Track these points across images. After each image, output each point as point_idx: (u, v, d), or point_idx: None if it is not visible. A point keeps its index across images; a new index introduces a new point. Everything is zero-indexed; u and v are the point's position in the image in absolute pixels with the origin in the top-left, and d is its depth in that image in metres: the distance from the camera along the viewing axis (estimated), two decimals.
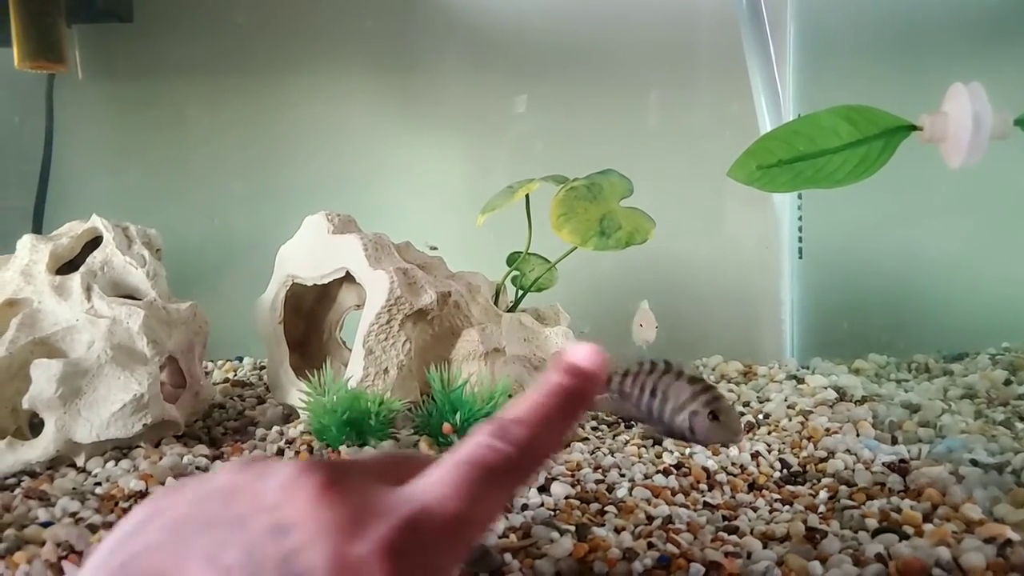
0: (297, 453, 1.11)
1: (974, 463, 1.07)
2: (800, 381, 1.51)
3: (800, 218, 1.70)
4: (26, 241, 1.29)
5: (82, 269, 1.27)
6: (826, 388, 1.42)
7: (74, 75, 1.85)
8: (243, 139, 1.91)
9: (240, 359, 1.79)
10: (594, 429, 1.33)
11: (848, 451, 1.15)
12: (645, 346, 1.43)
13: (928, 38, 1.56)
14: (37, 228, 1.78)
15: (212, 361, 1.75)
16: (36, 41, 1.69)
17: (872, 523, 0.93)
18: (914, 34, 1.57)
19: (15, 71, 1.71)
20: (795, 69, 1.64)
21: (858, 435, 1.21)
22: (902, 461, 1.10)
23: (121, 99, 1.91)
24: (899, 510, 0.96)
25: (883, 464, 1.09)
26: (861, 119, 0.96)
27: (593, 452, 1.18)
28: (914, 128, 0.95)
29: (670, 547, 0.87)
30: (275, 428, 1.25)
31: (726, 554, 0.86)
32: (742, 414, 1.36)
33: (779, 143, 1.01)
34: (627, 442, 1.23)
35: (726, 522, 0.96)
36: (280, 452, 1.15)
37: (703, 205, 1.80)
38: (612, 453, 1.17)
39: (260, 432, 1.25)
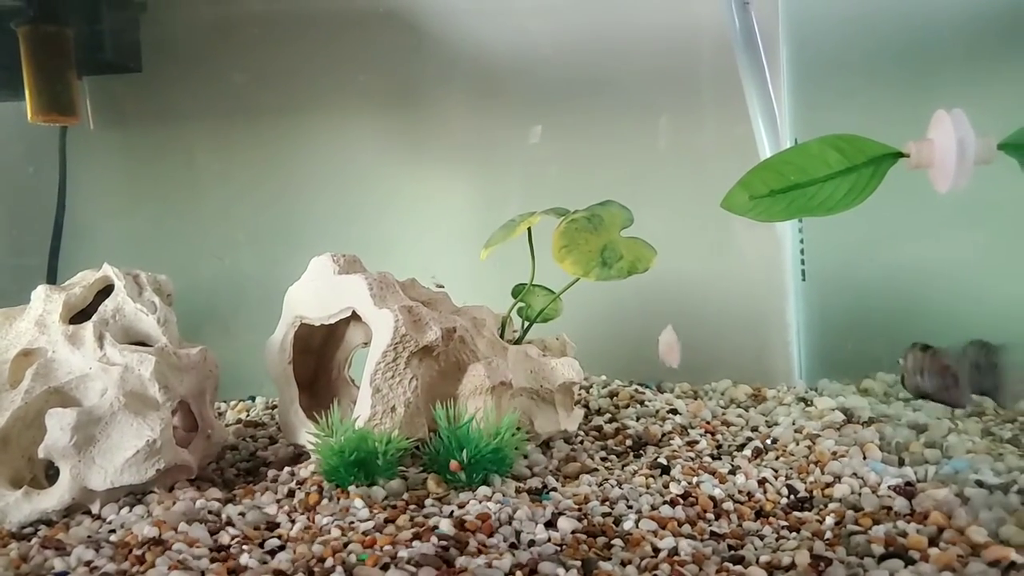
0: (307, 495, 1.12)
1: (979, 484, 1.06)
2: (808, 403, 1.51)
3: (801, 240, 1.71)
4: (40, 292, 1.32)
5: (94, 318, 1.30)
6: (834, 410, 1.42)
7: (85, 125, 1.89)
8: (252, 181, 1.95)
9: (252, 399, 1.81)
10: (603, 460, 1.33)
11: (855, 475, 1.16)
12: (670, 367, 1.44)
13: (919, 60, 1.57)
14: (52, 277, 1.82)
15: (225, 401, 1.78)
16: (48, 95, 1.73)
17: (878, 548, 0.94)
18: (905, 56, 1.59)
19: (29, 124, 1.75)
20: (789, 93, 1.66)
21: (864, 458, 1.22)
22: (908, 484, 1.10)
23: (132, 147, 1.96)
24: (905, 534, 0.97)
25: (889, 487, 1.10)
26: (850, 148, 0.97)
27: (601, 484, 1.19)
28: (901, 155, 0.96)
29: None
30: (286, 469, 1.26)
31: None
32: (749, 439, 1.37)
33: (771, 173, 1.02)
34: (635, 472, 1.24)
35: (732, 551, 0.97)
36: (291, 493, 1.17)
37: (708, 229, 1.81)
38: (620, 484, 1.18)
39: (272, 473, 1.27)
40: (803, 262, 1.71)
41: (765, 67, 1.65)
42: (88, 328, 1.28)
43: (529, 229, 1.47)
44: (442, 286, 1.47)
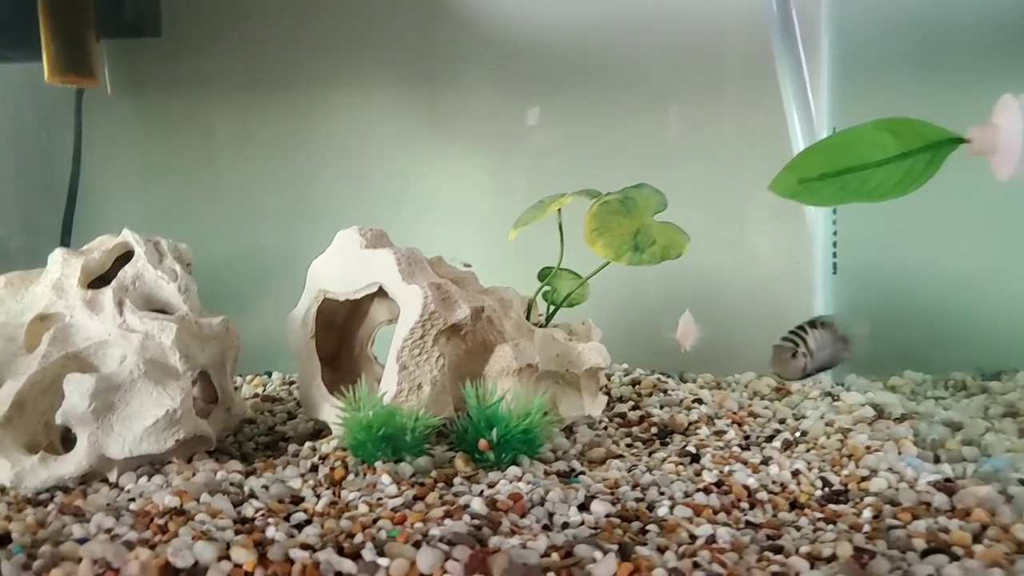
0: (332, 469, 1.09)
1: (1022, 482, 1.04)
2: (835, 398, 1.49)
3: (835, 233, 1.68)
4: (57, 255, 1.29)
5: (113, 283, 1.27)
6: (863, 405, 1.39)
7: (103, 90, 1.85)
8: (271, 155, 1.92)
9: (269, 374, 1.78)
10: (628, 446, 1.31)
11: (890, 470, 1.13)
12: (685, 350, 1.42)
13: (968, 49, 1.54)
14: (66, 242, 1.79)
15: (240, 376, 1.75)
16: (66, 56, 1.70)
17: (920, 543, 0.91)
18: (952, 46, 1.55)
19: (45, 86, 1.72)
20: (830, 82, 1.63)
21: (899, 453, 1.19)
22: (947, 480, 1.08)
23: (149, 114, 1.92)
24: (947, 530, 0.94)
25: (928, 483, 1.07)
26: (906, 132, 0.94)
27: (631, 470, 1.16)
28: (961, 141, 0.94)
29: (716, 567, 0.85)
30: (307, 444, 1.23)
31: (773, 574, 0.84)
32: (778, 431, 1.34)
33: (821, 157, 1.00)
34: (664, 459, 1.21)
35: (770, 541, 0.94)
36: (314, 468, 1.14)
37: (733, 221, 1.78)
38: (650, 471, 1.15)
39: (292, 448, 1.24)
40: (835, 255, 1.68)
41: (802, 54, 1.62)
42: (107, 294, 1.25)
43: (559, 211, 1.44)
44: (469, 265, 1.44)
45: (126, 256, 1.33)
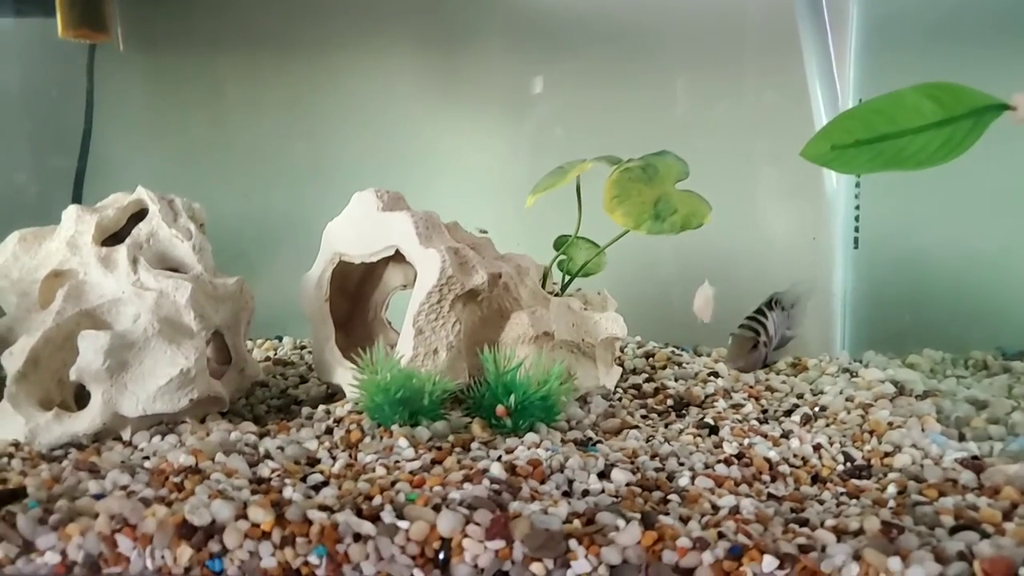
0: (348, 432, 1.08)
1: None
2: (853, 374, 1.47)
3: (857, 207, 1.65)
4: (71, 212, 1.27)
5: (128, 241, 1.25)
6: (883, 382, 1.37)
7: (114, 48, 1.82)
8: (283, 116, 1.89)
9: (280, 338, 1.77)
10: (644, 418, 1.29)
11: (914, 446, 1.11)
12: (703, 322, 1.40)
13: (998, 20, 1.50)
14: (77, 199, 1.76)
15: (251, 340, 1.73)
16: (80, 11, 1.68)
17: (948, 520, 0.89)
18: (985, 16, 1.51)
19: (58, 41, 1.69)
20: (857, 54, 1.59)
21: (923, 430, 1.17)
22: (975, 458, 1.06)
23: (161, 72, 1.89)
24: (976, 508, 0.92)
25: (955, 460, 1.05)
26: (948, 97, 0.92)
27: (648, 440, 1.15)
28: (1006, 107, 0.91)
29: (741, 538, 0.83)
30: (321, 407, 1.22)
31: (800, 547, 0.83)
32: (796, 406, 1.33)
33: (857, 122, 0.97)
34: (682, 431, 1.20)
35: (794, 514, 0.92)
36: (329, 431, 1.13)
37: (749, 195, 1.75)
38: (668, 441, 1.14)
39: (306, 411, 1.23)
40: (857, 229, 1.65)
41: (828, 26, 1.58)
42: (121, 251, 1.24)
43: (578, 177, 1.41)
44: (485, 232, 1.42)
45: (140, 214, 1.31)
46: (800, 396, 1.39)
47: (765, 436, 1.16)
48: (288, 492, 0.90)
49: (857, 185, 1.63)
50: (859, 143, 0.96)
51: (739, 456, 1.08)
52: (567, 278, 1.49)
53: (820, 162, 0.99)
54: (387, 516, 0.84)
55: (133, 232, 1.27)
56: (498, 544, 0.82)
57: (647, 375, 1.51)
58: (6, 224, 1.31)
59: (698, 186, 1.36)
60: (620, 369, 1.46)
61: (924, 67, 1.53)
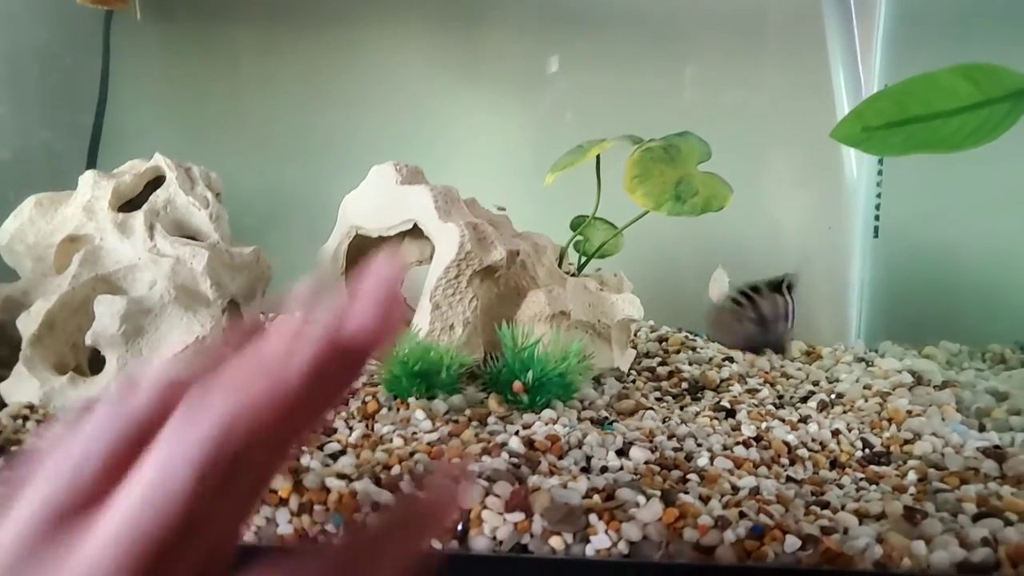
0: (364, 403, 1.07)
1: None
2: (869, 364, 1.46)
3: (878, 195, 1.63)
4: (88, 177, 1.26)
5: (145, 207, 1.24)
6: (900, 372, 1.36)
7: (131, 15, 1.81)
8: (300, 90, 1.87)
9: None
10: (658, 400, 1.28)
11: (934, 434, 1.10)
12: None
13: None
14: (92, 165, 1.75)
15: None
16: None
17: (970, 507, 0.89)
18: (1020, 8, 1.49)
19: (75, 7, 1.67)
20: (884, 36, 1.57)
21: (943, 419, 1.16)
22: (996, 447, 1.05)
23: (177, 42, 1.87)
24: (999, 496, 0.92)
25: (976, 449, 1.04)
26: (985, 79, 0.90)
27: (665, 421, 1.14)
28: None
29: (763, 518, 0.82)
30: None
31: (822, 528, 0.82)
32: (812, 392, 1.32)
33: (890, 104, 0.95)
34: (698, 413, 1.19)
35: (815, 497, 0.92)
36: (344, 401, 1.12)
37: (769, 179, 1.74)
38: (685, 423, 1.13)
39: None
40: (877, 218, 1.64)
41: (853, 10, 1.57)
42: (138, 217, 1.23)
43: (598, 156, 1.40)
44: (503, 209, 1.40)
45: (156, 182, 1.30)
46: (816, 383, 1.38)
47: (783, 420, 1.15)
48: (305, 459, 0.89)
49: (879, 173, 1.62)
50: (890, 125, 0.95)
51: (757, 439, 1.07)
52: (583, 259, 1.48)
53: (851, 143, 0.98)
54: (406, 486, 0.83)
55: (150, 199, 1.26)
56: (517, 517, 0.81)
57: (660, 359, 1.49)
58: (22, 189, 1.30)
59: (714, 171, 1.35)
60: (634, 351, 1.45)
61: (953, 57, 1.52)
